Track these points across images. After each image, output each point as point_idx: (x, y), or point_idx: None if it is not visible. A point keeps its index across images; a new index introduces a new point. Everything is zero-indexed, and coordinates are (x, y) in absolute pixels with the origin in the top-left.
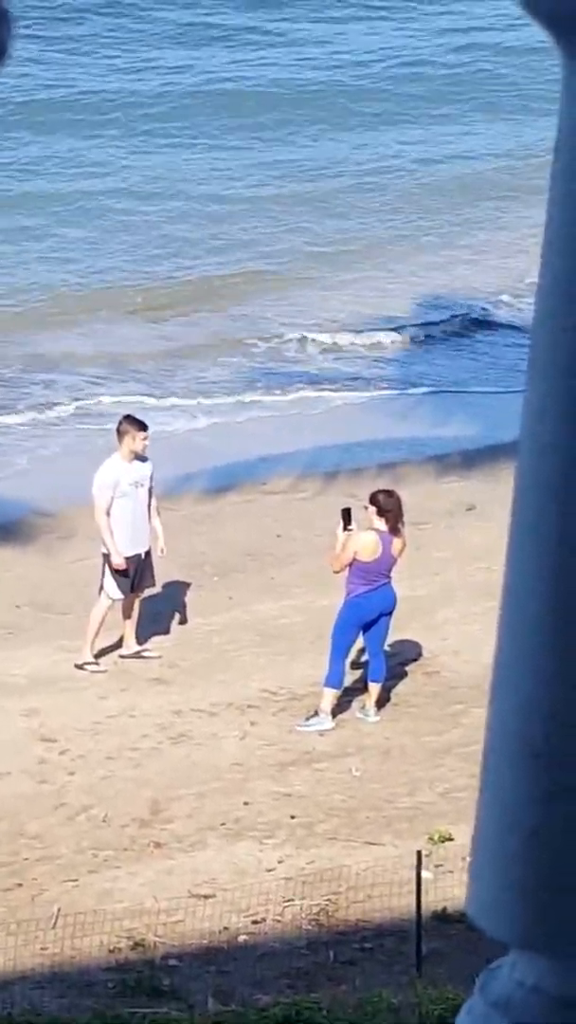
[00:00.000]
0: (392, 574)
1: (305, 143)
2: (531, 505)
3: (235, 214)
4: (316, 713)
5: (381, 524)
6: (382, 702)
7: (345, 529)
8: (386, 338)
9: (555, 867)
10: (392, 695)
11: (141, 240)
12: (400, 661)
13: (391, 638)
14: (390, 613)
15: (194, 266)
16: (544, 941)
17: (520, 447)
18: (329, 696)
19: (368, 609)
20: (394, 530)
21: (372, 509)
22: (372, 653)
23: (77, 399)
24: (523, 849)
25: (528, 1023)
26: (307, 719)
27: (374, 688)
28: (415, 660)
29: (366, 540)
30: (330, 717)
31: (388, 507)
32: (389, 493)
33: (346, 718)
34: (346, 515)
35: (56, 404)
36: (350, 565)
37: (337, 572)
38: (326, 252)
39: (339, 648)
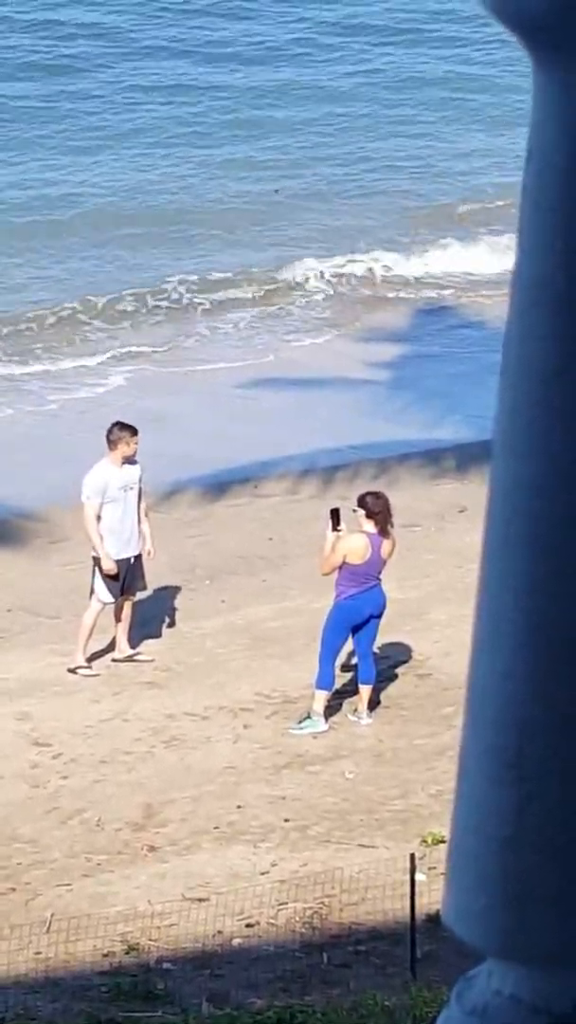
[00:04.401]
0: (382, 576)
1: None
2: (503, 510)
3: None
4: (309, 716)
5: (370, 526)
6: (373, 704)
7: (334, 530)
8: (376, 340)
9: (529, 877)
10: (384, 697)
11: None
12: (392, 663)
13: (382, 640)
14: (379, 615)
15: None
16: (519, 950)
17: (493, 452)
18: (321, 698)
19: (358, 611)
20: (383, 532)
21: (361, 512)
22: (361, 655)
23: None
24: (497, 859)
25: None
26: (300, 722)
27: (365, 691)
28: (407, 662)
29: (355, 543)
30: (323, 719)
31: (376, 509)
32: (377, 495)
33: (338, 721)
34: (335, 516)
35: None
36: (340, 568)
37: (326, 575)
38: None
39: (329, 650)
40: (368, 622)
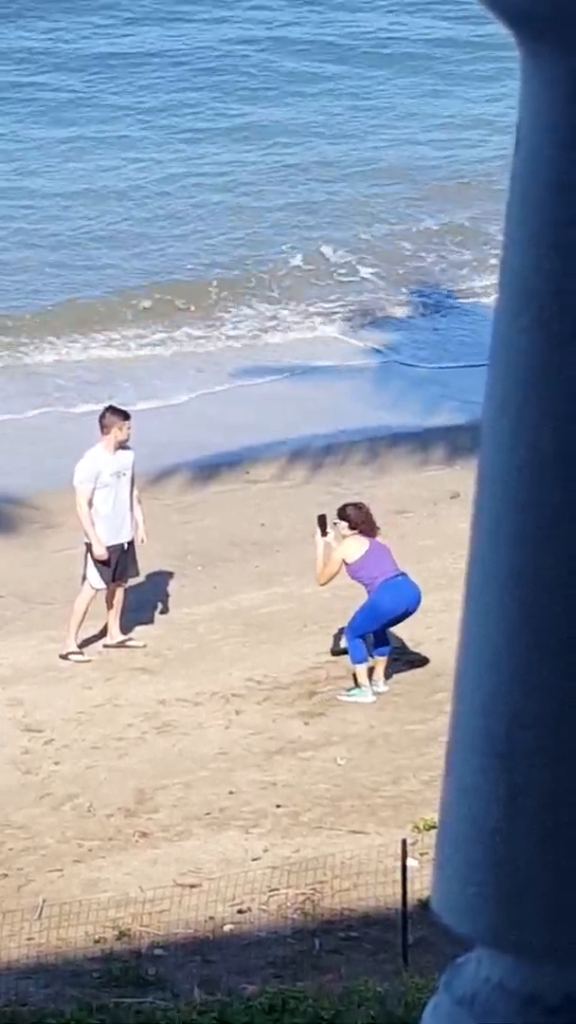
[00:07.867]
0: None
1: None
2: (490, 502)
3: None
4: (358, 685)
5: (355, 534)
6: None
7: (323, 535)
8: (370, 325)
9: (518, 867)
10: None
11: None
12: None
13: None
14: (415, 610)
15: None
16: (507, 939)
17: (482, 440)
18: (362, 671)
19: (397, 601)
20: (370, 535)
21: (343, 524)
22: (378, 634)
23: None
24: (485, 848)
25: (493, 1022)
26: (349, 691)
27: (381, 661)
28: (399, 648)
29: (348, 546)
30: (370, 691)
31: (359, 520)
32: (358, 506)
33: (331, 707)
34: (322, 521)
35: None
36: (348, 571)
37: (324, 584)
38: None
39: (356, 633)
40: (401, 616)
